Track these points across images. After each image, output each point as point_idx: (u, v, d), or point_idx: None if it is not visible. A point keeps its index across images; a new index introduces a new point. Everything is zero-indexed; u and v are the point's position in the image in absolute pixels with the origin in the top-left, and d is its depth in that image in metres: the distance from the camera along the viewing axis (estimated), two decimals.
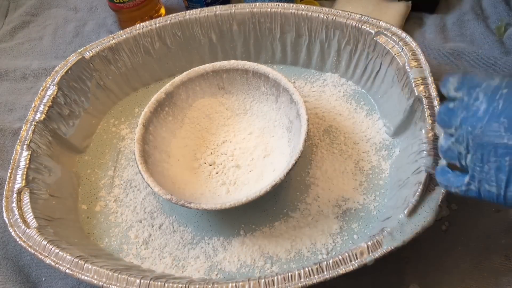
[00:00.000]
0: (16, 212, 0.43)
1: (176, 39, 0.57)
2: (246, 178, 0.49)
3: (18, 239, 0.41)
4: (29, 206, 0.44)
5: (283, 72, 0.57)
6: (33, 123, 0.49)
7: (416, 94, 0.45)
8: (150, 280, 0.38)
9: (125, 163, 0.53)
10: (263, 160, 0.50)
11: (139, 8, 0.66)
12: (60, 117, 0.52)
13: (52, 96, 0.51)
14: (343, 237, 0.45)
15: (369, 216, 0.46)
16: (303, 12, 0.53)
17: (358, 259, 0.37)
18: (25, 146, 0.47)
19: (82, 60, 0.54)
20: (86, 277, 0.39)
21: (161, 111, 0.51)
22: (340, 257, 0.37)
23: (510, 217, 0.45)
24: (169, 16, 0.56)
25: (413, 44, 0.48)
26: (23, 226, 0.42)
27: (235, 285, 0.37)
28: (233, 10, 0.55)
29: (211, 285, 0.38)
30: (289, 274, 0.37)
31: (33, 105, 0.51)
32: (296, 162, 0.43)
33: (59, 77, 0.52)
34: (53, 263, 0.40)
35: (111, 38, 0.55)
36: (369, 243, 0.37)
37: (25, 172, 0.45)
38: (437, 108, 0.43)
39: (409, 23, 0.65)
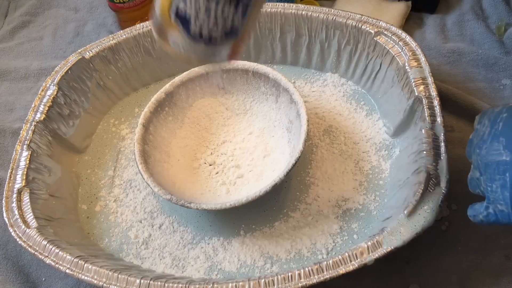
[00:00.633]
0: (16, 212, 0.43)
1: None
2: (246, 178, 0.49)
3: (18, 239, 0.41)
4: (29, 206, 0.44)
5: (283, 72, 0.57)
6: (33, 123, 0.49)
7: (416, 94, 0.45)
8: (150, 280, 0.38)
9: (125, 163, 0.53)
10: (263, 160, 0.50)
11: (139, 8, 0.66)
12: (60, 117, 0.52)
13: (52, 96, 0.51)
14: (343, 237, 0.45)
15: (369, 216, 0.46)
16: (303, 12, 0.53)
17: (358, 259, 0.37)
18: (25, 146, 0.47)
19: (82, 60, 0.54)
20: (86, 277, 0.39)
21: (161, 111, 0.51)
22: (340, 257, 0.37)
23: None
24: None
25: (413, 44, 0.48)
26: (23, 226, 0.42)
27: (235, 285, 0.37)
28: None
29: (211, 285, 0.38)
30: (289, 274, 0.37)
31: (33, 105, 0.51)
32: (296, 162, 0.43)
33: (59, 77, 0.52)
34: (53, 263, 0.40)
35: (111, 38, 0.55)
36: (369, 243, 0.37)
37: (25, 172, 0.45)
38: (437, 108, 0.44)
39: (409, 23, 0.65)
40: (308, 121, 0.45)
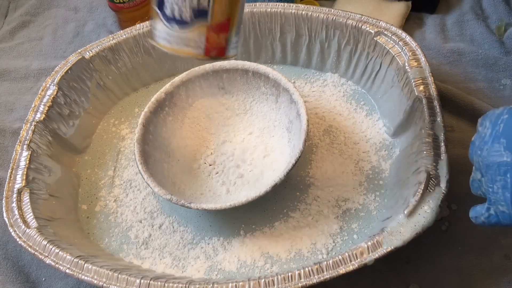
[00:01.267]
0: (16, 212, 0.43)
1: None
2: (246, 178, 0.49)
3: (18, 239, 0.41)
4: (29, 206, 0.44)
5: (283, 72, 0.57)
6: (33, 123, 0.49)
7: (416, 94, 0.45)
8: (150, 280, 0.38)
9: (125, 163, 0.53)
10: (263, 160, 0.50)
11: (139, 8, 0.66)
12: (60, 117, 0.52)
13: (52, 96, 0.51)
14: (343, 237, 0.45)
15: (369, 216, 0.46)
16: (303, 12, 0.53)
17: (358, 259, 0.37)
18: (25, 146, 0.47)
19: (82, 60, 0.54)
20: (86, 277, 0.39)
21: (161, 111, 0.51)
22: (340, 257, 0.37)
23: None
24: None
25: (413, 44, 0.48)
26: (23, 226, 0.42)
27: (235, 285, 0.37)
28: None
29: (211, 285, 0.38)
30: (289, 274, 0.37)
31: (33, 105, 0.51)
32: (296, 162, 0.43)
33: (59, 77, 0.52)
34: (53, 263, 0.40)
35: (111, 38, 0.55)
36: (369, 243, 0.37)
37: (25, 172, 0.45)
38: (437, 108, 0.44)
39: (409, 23, 0.65)
40: (308, 121, 0.45)
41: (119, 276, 0.38)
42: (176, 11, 0.32)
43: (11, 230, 0.42)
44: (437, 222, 0.45)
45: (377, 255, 0.37)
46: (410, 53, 0.48)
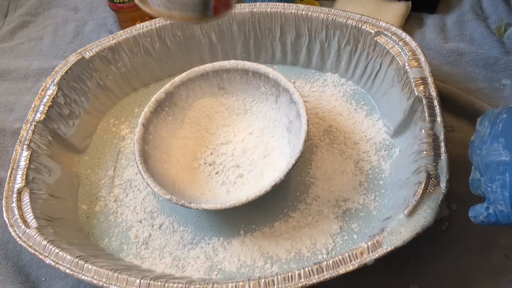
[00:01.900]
0: (16, 212, 0.43)
1: (176, 39, 0.57)
2: (246, 178, 0.49)
3: (18, 239, 0.41)
4: (29, 206, 0.44)
5: (283, 72, 0.57)
6: (33, 123, 0.49)
7: (416, 94, 0.45)
8: (150, 280, 0.38)
9: (125, 163, 0.53)
10: (263, 160, 0.50)
11: (139, 8, 0.66)
12: (60, 117, 0.52)
13: (52, 96, 0.51)
14: (343, 237, 0.45)
15: (369, 216, 0.46)
16: (303, 12, 0.53)
17: (358, 259, 0.37)
18: (25, 146, 0.47)
19: (82, 60, 0.54)
20: (86, 277, 0.39)
21: (161, 111, 0.51)
22: (340, 257, 0.37)
23: None
24: None
25: (413, 44, 0.48)
26: (23, 226, 0.42)
27: (235, 285, 0.37)
28: (233, 10, 0.55)
29: (211, 285, 0.38)
30: (289, 274, 0.37)
31: (33, 105, 0.51)
32: (296, 162, 0.43)
33: (59, 77, 0.52)
34: (53, 263, 0.40)
35: (111, 38, 0.55)
36: (369, 243, 0.37)
37: (25, 172, 0.45)
38: (437, 108, 0.44)
39: (409, 23, 0.65)
40: (308, 121, 0.45)
41: (119, 276, 0.38)
42: None
43: (11, 230, 0.42)
44: (437, 222, 0.45)
45: (377, 255, 0.37)
46: (410, 53, 0.48)
